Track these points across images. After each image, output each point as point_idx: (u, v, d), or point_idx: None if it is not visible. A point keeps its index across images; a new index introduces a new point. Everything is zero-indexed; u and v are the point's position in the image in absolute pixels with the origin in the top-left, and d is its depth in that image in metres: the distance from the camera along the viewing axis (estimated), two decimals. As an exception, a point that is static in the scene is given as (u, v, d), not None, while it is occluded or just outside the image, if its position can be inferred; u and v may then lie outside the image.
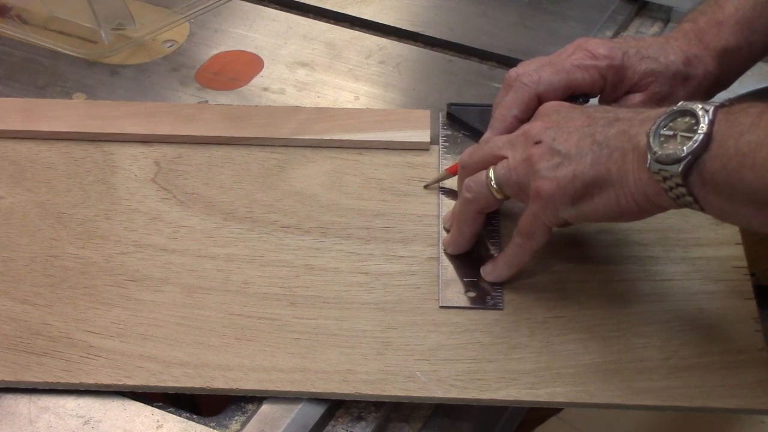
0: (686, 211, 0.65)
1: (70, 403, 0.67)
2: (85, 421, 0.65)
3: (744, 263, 0.75)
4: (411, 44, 0.98)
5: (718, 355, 0.68)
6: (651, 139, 0.62)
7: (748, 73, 0.93)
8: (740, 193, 0.59)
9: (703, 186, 0.60)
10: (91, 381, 0.67)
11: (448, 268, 0.74)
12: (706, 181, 0.60)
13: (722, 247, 0.76)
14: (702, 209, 0.62)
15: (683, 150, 0.60)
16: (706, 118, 0.60)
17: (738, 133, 0.59)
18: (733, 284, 0.73)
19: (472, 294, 0.73)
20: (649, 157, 0.62)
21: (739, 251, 0.76)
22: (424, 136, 0.84)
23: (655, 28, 1.00)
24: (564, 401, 0.67)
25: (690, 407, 0.66)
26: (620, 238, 0.76)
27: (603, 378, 0.67)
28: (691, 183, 0.61)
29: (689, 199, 0.61)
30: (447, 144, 0.84)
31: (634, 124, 0.65)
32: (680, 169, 0.60)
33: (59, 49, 0.96)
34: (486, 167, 0.71)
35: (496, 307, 0.72)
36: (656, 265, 0.75)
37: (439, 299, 0.72)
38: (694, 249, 0.76)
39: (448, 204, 0.78)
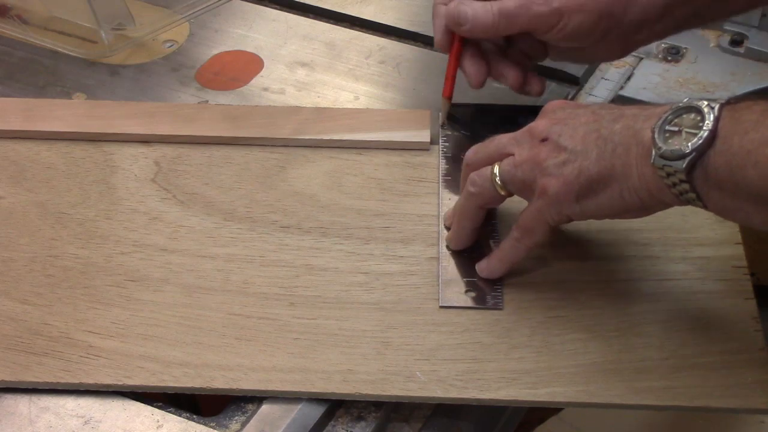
0: (686, 210, 0.66)
1: (70, 403, 0.67)
2: (85, 421, 0.65)
3: (744, 263, 0.75)
4: (411, 44, 0.98)
5: (718, 355, 0.68)
6: (656, 135, 0.62)
7: (748, 72, 0.93)
8: (743, 190, 0.59)
9: (707, 182, 0.61)
10: (91, 381, 0.67)
11: (448, 268, 0.74)
12: (710, 177, 0.60)
13: (722, 247, 0.76)
14: (704, 206, 0.62)
15: (688, 146, 0.60)
16: (712, 115, 0.60)
17: (743, 131, 0.59)
18: (733, 284, 0.73)
19: (472, 294, 0.73)
20: (653, 152, 0.62)
21: (739, 251, 0.76)
22: (424, 136, 0.84)
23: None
24: (564, 401, 0.67)
25: (690, 407, 0.66)
26: (620, 237, 0.76)
27: (603, 378, 0.67)
28: (695, 179, 0.61)
29: (692, 195, 0.61)
30: (447, 144, 0.84)
31: (638, 119, 0.65)
32: (684, 165, 0.60)
33: (59, 49, 0.96)
34: (491, 164, 0.71)
35: (496, 307, 0.72)
36: (656, 265, 0.75)
37: (439, 299, 0.72)
38: (694, 249, 0.76)
39: (448, 204, 0.78)
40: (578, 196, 0.66)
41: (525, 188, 0.69)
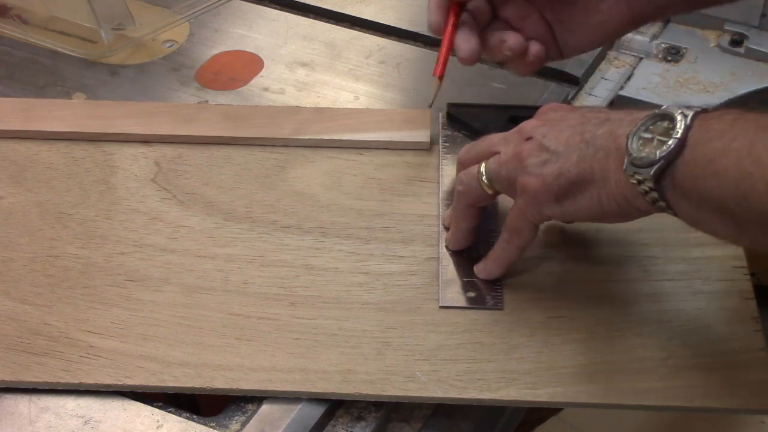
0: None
1: (70, 403, 0.67)
2: (85, 421, 0.65)
3: (744, 263, 0.75)
4: (411, 44, 0.98)
5: (718, 355, 0.68)
6: (630, 141, 0.62)
7: (748, 72, 0.93)
8: (706, 200, 0.58)
9: (674, 191, 0.60)
10: (91, 381, 0.67)
11: (448, 268, 0.74)
12: (677, 186, 0.60)
13: (722, 247, 0.76)
14: (675, 214, 0.62)
15: (656, 154, 0.60)
16: (683, 124, 0.60)
17: (707, 140, 0.58)
18: (733, 284, 0.73)
19: (472, 294, 0.73)
20: (626, 159, 0.62)
21: (739, 251, 0.76)
22: (424, 136, 0.84)
23: (655, 28, 0.99)
24: (564, 401, 0.67)
25: (690, 407, 0.66)
26: (620, 238, 0.76)
27: (603, 378, 0.67)
28: (664, 188, 0.60)
29: (662, 204, 0.61)
30: (447, 144, 0.84)
31: (622, 124, 0.64)
32: (652, 172, 0.60)
33: (59, 49, 0.96)
34: (480, 162, 0.71)
35: (496, 307, 0.72)
36: (656, 265, 0.75)
37: (439, 299, 0.72)
38: (694, 249, 0.76)
39: (448, 204, 0.78)
40: (557, 196, 0.66)
41: (509, 186, 0.69)
